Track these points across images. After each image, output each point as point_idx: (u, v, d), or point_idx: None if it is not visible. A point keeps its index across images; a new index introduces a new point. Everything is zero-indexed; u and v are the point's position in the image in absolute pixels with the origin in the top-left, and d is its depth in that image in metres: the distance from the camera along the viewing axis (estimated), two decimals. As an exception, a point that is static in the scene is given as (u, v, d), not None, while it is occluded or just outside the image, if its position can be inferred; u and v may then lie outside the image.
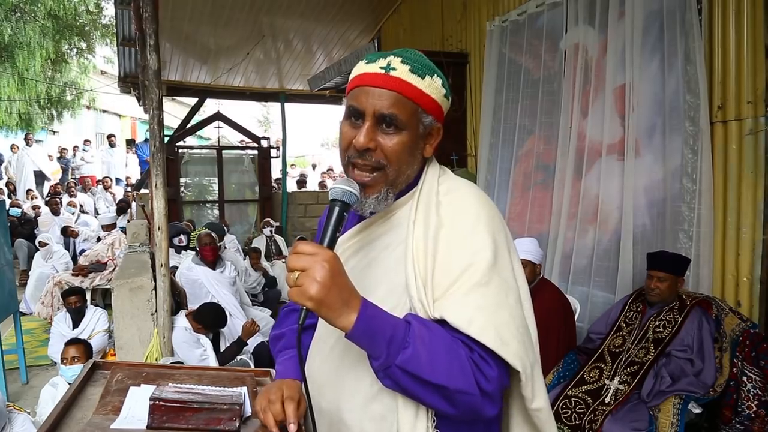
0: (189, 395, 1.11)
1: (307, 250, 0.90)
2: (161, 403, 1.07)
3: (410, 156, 1.05)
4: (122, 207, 8.45)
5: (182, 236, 5.83)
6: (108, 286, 5.64)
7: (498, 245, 1.03)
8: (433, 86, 1.03)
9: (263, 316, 4.76)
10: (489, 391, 0.95)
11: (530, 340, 1.02)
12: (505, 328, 0.97)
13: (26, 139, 11.44)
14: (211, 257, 4.62)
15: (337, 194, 0.98)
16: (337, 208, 0.97)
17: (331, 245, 0.94)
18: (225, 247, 5.70)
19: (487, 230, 1.02)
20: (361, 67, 1.05)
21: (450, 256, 1.01)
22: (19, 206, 8.76)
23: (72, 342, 3.33)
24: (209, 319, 3.68)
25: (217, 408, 1.09)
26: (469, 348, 0.96)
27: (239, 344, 3.75)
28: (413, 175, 1.10)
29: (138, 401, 1.16)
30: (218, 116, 8.56)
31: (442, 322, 0.98)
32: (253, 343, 3.96)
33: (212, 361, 3.57)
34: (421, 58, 1.04)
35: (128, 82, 7.91)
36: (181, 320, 3.63)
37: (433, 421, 1.01)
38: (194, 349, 3.57)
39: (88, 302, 5.03)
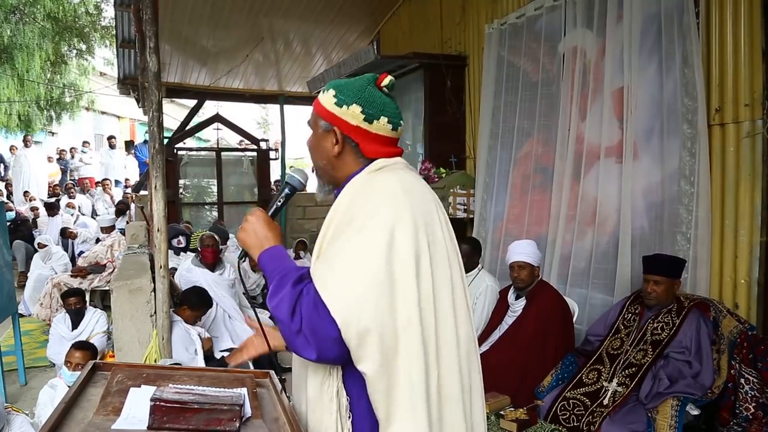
0: (189, 396, 1.12)
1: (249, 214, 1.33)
2: (162, 403, 1.08)
3: (316, 151, 1.35)
4: (121, 209, 8.44)
5: (181, 238, 5.82)
6: (107, 288, 5.64)
7: (374, 226, 1.15)
8: (326, 97, 1.31)
9: (262, 318, 4.77)
10: (296, 329, 1.11)
11: (387, 306, 1.11)
12: (342, 281, 1.12)
13: (24, 141, 11.41)
14: (212, 259, 4.62)
15: (287, 176, 1.40)
16: (285, 189, 1.38)
17: (270, 210, 1.36)
18: (224, 250, 5.69)
19: (369, 211, 1.18)
20: None
21: (335, 227, 1.23)
22: (10, 209, 8.64)
23: (79, 346, 3.25)
24: (193, 298, 3.75)
25: (218, 409, 1.10)
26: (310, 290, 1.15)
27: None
28: (332, 170, 1.33)
29: (138, 402, 1.17)
30: (217, 118, 8.54)
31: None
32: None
33: (200, 361, 3.60)
34: (338, 80, 1.34)
35: (128, 84, 7.90)
36: (174, 317, 3.66)
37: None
38: (187, 347, 3.60)
39: (87, 304, 5.03)
